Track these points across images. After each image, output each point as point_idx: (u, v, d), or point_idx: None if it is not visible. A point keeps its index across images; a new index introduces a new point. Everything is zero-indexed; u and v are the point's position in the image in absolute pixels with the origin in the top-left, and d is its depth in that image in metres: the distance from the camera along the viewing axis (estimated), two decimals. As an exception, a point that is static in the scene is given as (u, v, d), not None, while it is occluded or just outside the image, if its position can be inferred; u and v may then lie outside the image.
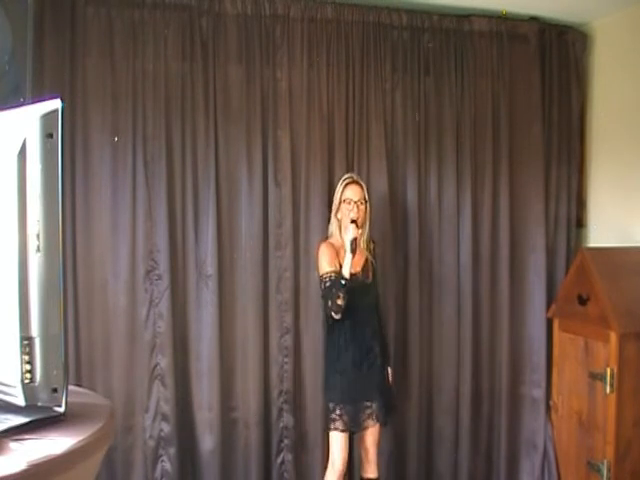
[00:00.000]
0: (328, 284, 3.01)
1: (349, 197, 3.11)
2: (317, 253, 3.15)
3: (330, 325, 3.12)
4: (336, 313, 2.99)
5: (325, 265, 3.07)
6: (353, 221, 3.03)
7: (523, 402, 3.90)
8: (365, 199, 3.14)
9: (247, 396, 3.43)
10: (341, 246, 3.11)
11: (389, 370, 3.27)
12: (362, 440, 3.18)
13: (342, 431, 3.05)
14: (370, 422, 3.10)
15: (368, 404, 3.08)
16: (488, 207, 3.80)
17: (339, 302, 2.95)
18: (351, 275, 3.00)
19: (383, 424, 3.17)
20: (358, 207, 3.09)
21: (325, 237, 3.25)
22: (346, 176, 3.21)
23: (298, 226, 3.50)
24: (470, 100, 3.77)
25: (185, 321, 3.38)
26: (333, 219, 3.18)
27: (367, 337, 3.09)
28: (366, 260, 3.17)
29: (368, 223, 3.18)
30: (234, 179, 3.43)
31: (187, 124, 3.35)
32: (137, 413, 3.32)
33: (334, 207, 3.18)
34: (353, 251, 2.96)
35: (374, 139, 3.62)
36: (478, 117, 3.79)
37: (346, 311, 2.99)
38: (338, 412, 3.04)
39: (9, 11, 2.13)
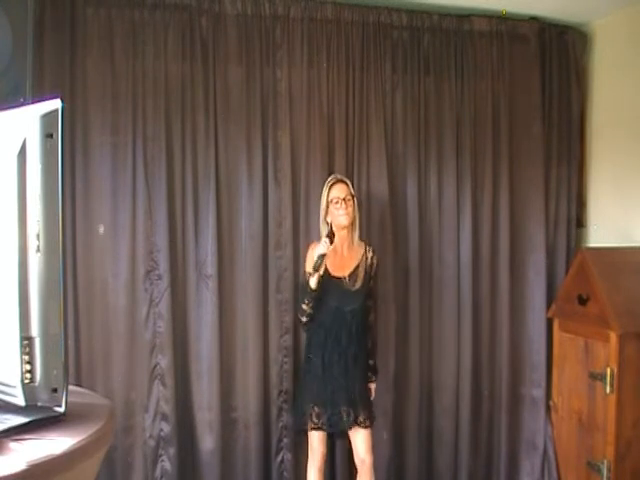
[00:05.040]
0: (303, 285, 3.10)
1: (336, 195, 3.11)
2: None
3: (306, 323, 3.16)
4: (301, 316, 3.12)
5: (307, 265, 3.13)
6: (328, 236, 3.02)
7: (523, 402, 3.90)
8: (352, 195, 3.15)
9: (247, 396, 3.43)
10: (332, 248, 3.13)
11: (372, 386, 3.26)
12: (355, 450, 3.17)
13: (316, 429, 3.08)
14: (348, 426, 3.09)
15: (341, 409, 3.07)
16: (488, 207, 3.80)
17: (304, 307, 3.08)
18: (335, 278, 3.06)
19: (364, 427, 3.13)
20: (346, 203, 3.09)
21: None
22: (329, 178, 3.23)
23: (298, 226, 3.50)
24: (470, 100, 3.77)
25: (185, 321, 3.38)
26: (323, 224, 3.18)
27: (342, 342, 3.09)
28: (358, 265, 3.16)
29: (358, 219, 3.19)
30: (234, 179, 3.43)
31: (187, 124, 3.35)
32: (137, 413, 3.31)
33: (322, 211, 3.17)
34: (316, 269, 2.97)
35: (374, 139, 3.62)
36: (478, 117, 3.79)
37: (324, 313, 3.07)
38: (310, 412, 3.07)
39: (9, 11, 2.13)
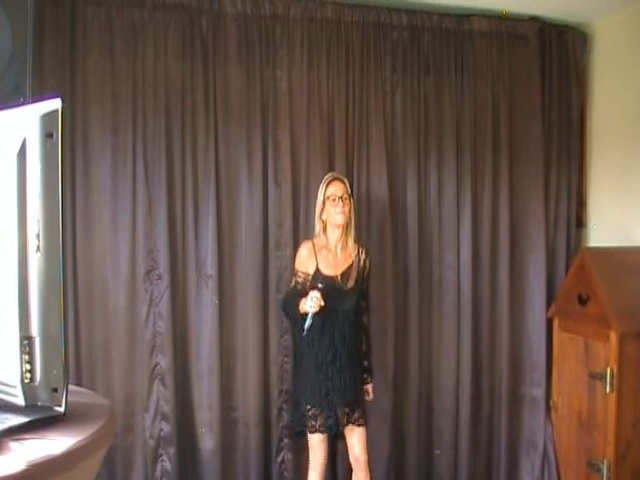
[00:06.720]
0: (298, 287, 3.06)
1: (333, 193, 3.07)
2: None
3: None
4: (285, 316, 3.22)
5: (298, 264, 3.13)
6: (319, 289, 2.89)
7: (523, 402, 3.90)
8: (349, 194, 3.13)
9: (247, 396, 3.43)
10: (324, 246, 3.12)
11: (368, 387, 3.23)
12: (350, 449, 3.15)
13: (316, 432, 3.03)
14: (346, 426, 3.07)
15: (337, 410, 3.04)
16: (488, 207, 3.80)
17: (287, 318, 3.17)
18: (327, 277, 3.02)
19: (358, 425, 3.11)
20: (343, 202, 3.06)
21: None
22: (327, 176, 3.19)
23: (298, 226, 3.50)
24: (470, 100, 3.77)
25: (185, 321, 3.38)
26: (317, 222, 3.14)
27: (336, 342, 3.02)
28: (350, 265, 3.14)
29: (354, 221, 3.17)
30: (234, 179, 3.43)
31: (187, 124, 3.35)
32: (137, 413, 3.32)
33: (318, 208, 3.13)
34: (309, 329, 2.87)
35: (374, 139, 3.62)
36: (478, 117, 3.79)
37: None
38: (310, 413, 3.02)
39: (9, 11, 2.13)
